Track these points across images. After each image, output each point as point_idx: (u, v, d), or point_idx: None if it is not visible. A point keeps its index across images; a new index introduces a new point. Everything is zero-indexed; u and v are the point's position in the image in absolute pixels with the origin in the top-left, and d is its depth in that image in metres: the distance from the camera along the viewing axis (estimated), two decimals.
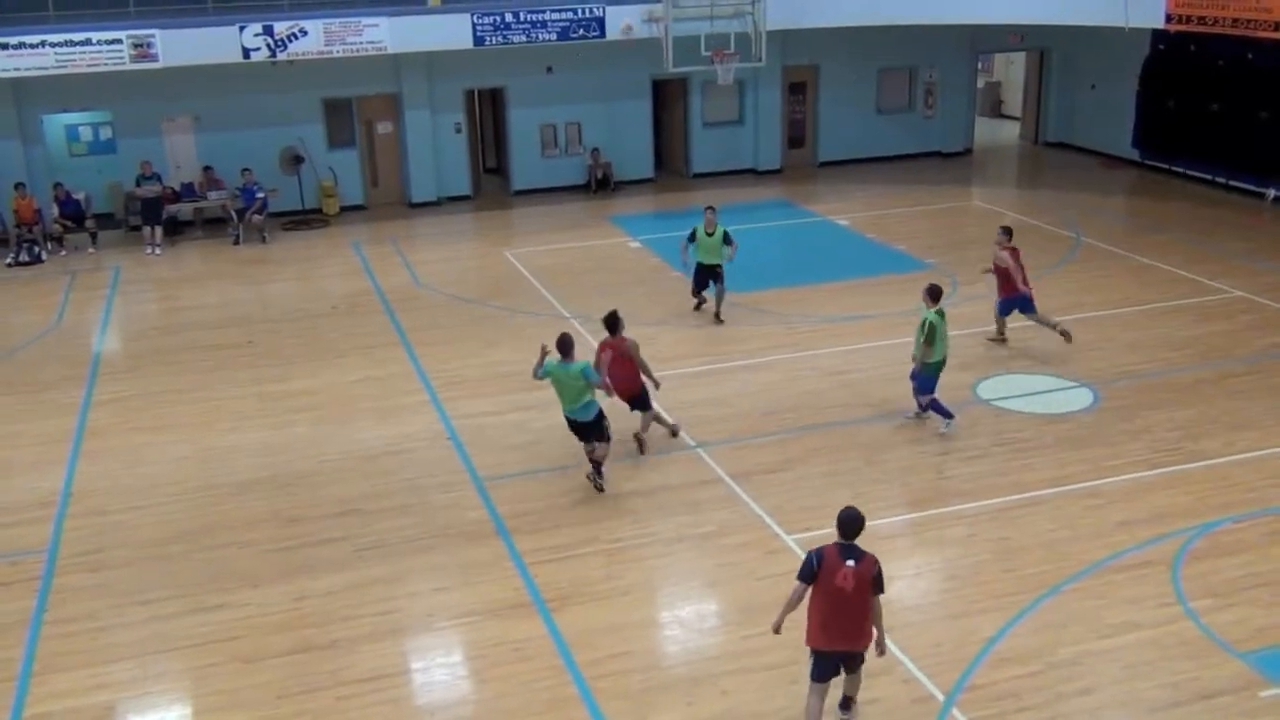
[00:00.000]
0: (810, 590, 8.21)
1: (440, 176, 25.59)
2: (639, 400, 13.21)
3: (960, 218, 23.91)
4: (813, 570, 8.15)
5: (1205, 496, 11.90)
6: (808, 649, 8.35)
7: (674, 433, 13.56)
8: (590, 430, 12.17)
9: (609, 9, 23.60)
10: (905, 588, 10.52)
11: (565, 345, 11.93)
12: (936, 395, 13.43)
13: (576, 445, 12.82)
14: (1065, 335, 15.58)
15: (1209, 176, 25.57)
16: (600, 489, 12.19)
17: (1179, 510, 11.63)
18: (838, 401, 14.46)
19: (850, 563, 8.12)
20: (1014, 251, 15.68)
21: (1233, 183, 24.95)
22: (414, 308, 18.60)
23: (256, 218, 22.96)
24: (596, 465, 12.24)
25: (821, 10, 24.54)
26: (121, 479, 13.03)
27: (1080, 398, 14.33)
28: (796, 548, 11.05)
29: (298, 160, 24.27)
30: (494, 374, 15.69)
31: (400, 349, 16.72)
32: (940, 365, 13.43)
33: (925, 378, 13.44)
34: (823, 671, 8.31)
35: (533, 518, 11.84)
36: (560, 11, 23.41)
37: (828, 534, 11.16)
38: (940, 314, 13.36)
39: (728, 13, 23.84)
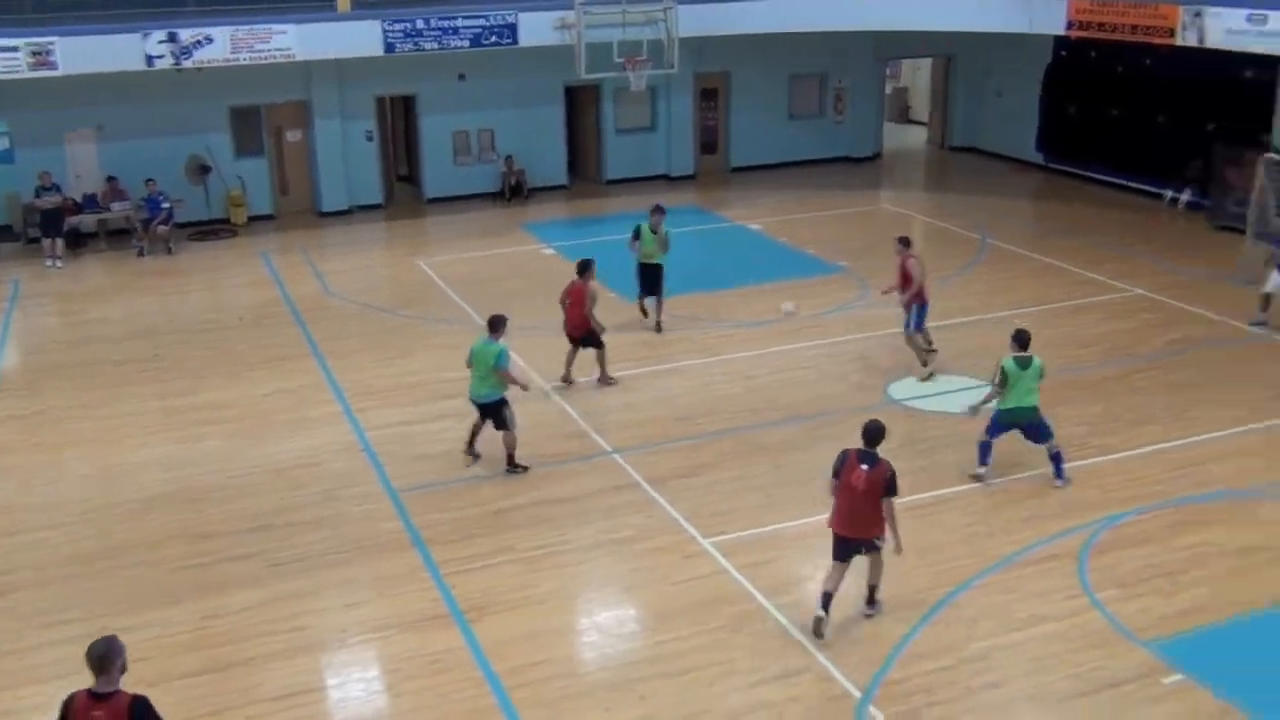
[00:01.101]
0: (836, 483, 9.60)
1: (351, 185, 25.30)
2: (589, 339, 15.06)
3: (870, 222, 24.23)
4: (837, 467, 9.60)
5: (1110, 490, 12.18)
6: (830, 530, 9.63)
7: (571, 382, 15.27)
8: (489, 412, 12.69)
9: (521, 15, 23.53)
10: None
11: (495, 323, 12.69)
12: (991, 440, 12.39)
13: (489, 454, 12.81)
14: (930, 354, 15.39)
15: (1110, 179, 26.23)
16: (524, 467, 12.79)
17: (1085, 504, 11.89)
18: (748, 406, 14.56)
19: (864, 466, 9.50)
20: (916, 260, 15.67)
21: (1133, 185, 25.62)
22: (325, 318, 18.36)
23: (162, 229, 22.48)
24: (508, 457, 12.76)
25: (732, 18, 24.74)
26: (26, 499, 12.66)
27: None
28: (713, 551, 11.12)
29: (204, 170, 23.83)
30: (407, 383, 15.55)
31: (311, 360, 16.49)
32: (1011, 414, 12.21)
33: (994, 423, 12.34)
34: (841, 552, 9.73)
35: (448, 528, 11.74)
36: (472, 18, 23.28)
37: (743, 537, 11.31)
38: (1019, 361, 12.15)
39: (640, 20, 23.91)
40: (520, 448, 13.33)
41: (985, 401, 12.39)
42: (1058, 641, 9.64)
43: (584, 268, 15.05)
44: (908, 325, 15.27)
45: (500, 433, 12.77)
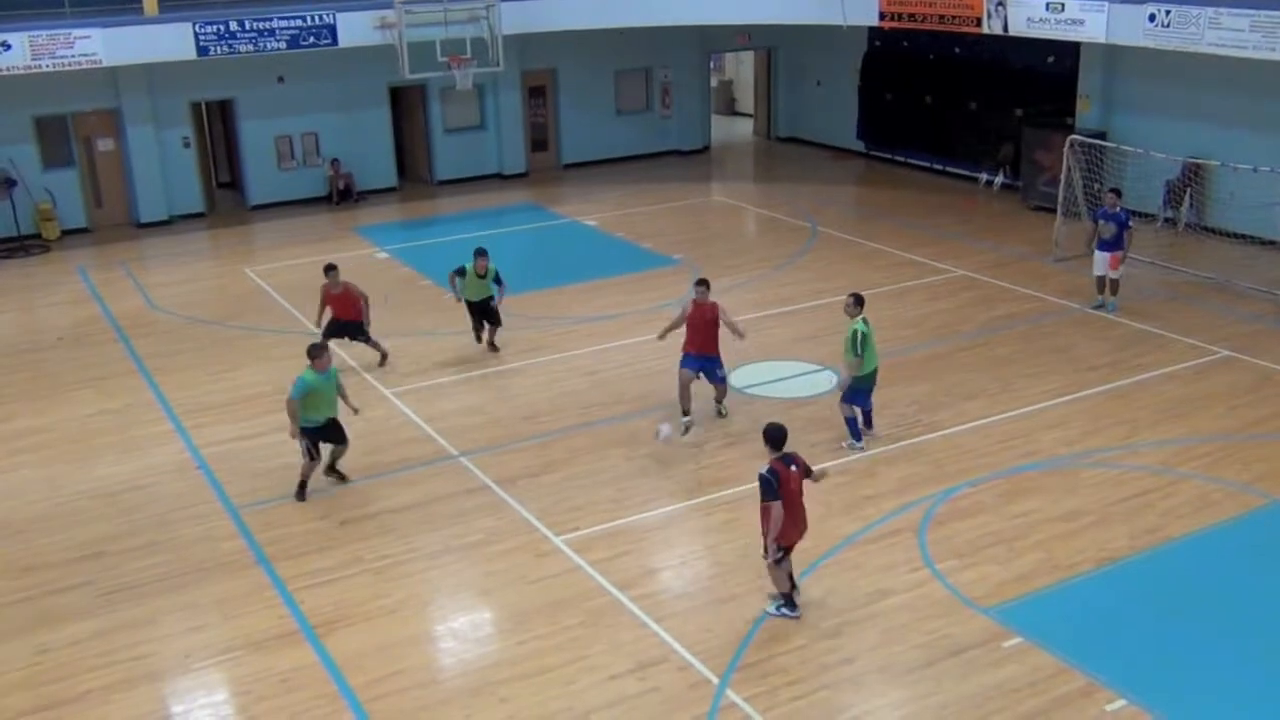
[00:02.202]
0: (781, 500, 9.60)
1: (170, 194, 24.38)
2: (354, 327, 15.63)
3: (703, 213, 24.57)
4: (775, 488, 9.51)
5: (943, 465, 12.65)
6: (780, 546, 9.70)
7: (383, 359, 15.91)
8: (338, 430, 12.46)
9: (339, 15, 23.06)
10: (673, 577, 10.74)
11: (314, 352, 12.18)
12: (856, 413, 12.93)
13: (339, 467, 12.55)
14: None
15: (928, 165, 27.20)
16: (345, 478, 12.64)
17: (920, 480, 12.32)
18: (595, 401, 14.61)
19: (793, 467, 9.75)
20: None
21: (950, 170, 26.62)
22: (150, 333, 17.65)
23: None
24: (332, 467, 12.65)
25: (555, 14, 24.74)
26: None
27: (824, 380, 14.98)
28: (566, 549, 11.12)
29: (9, 183, 22.60)
30: (241, 397, 15.08)
31: (137, 377, 15.83)
32: (871, 377, 12.87)
33: (857, 391, 12.77)
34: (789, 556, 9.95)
35: (293, 542, 11.44)
36: (288, 19, 22.69)
37: (596, 532, 11.35)
38: (867, 322, 12.65)
39: (462, 17, 23.70)
40: (363, 455, 13.09)
41: (852, 373, 12.67)
42: (904, 613, 9.97)
43: (327, 267, 15.70)
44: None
45: (340, 447, 12.64)
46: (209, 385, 15.52)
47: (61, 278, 20.90)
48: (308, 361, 12.13)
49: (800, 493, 9.83)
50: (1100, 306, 17.25)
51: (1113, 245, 16.91)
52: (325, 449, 12.42)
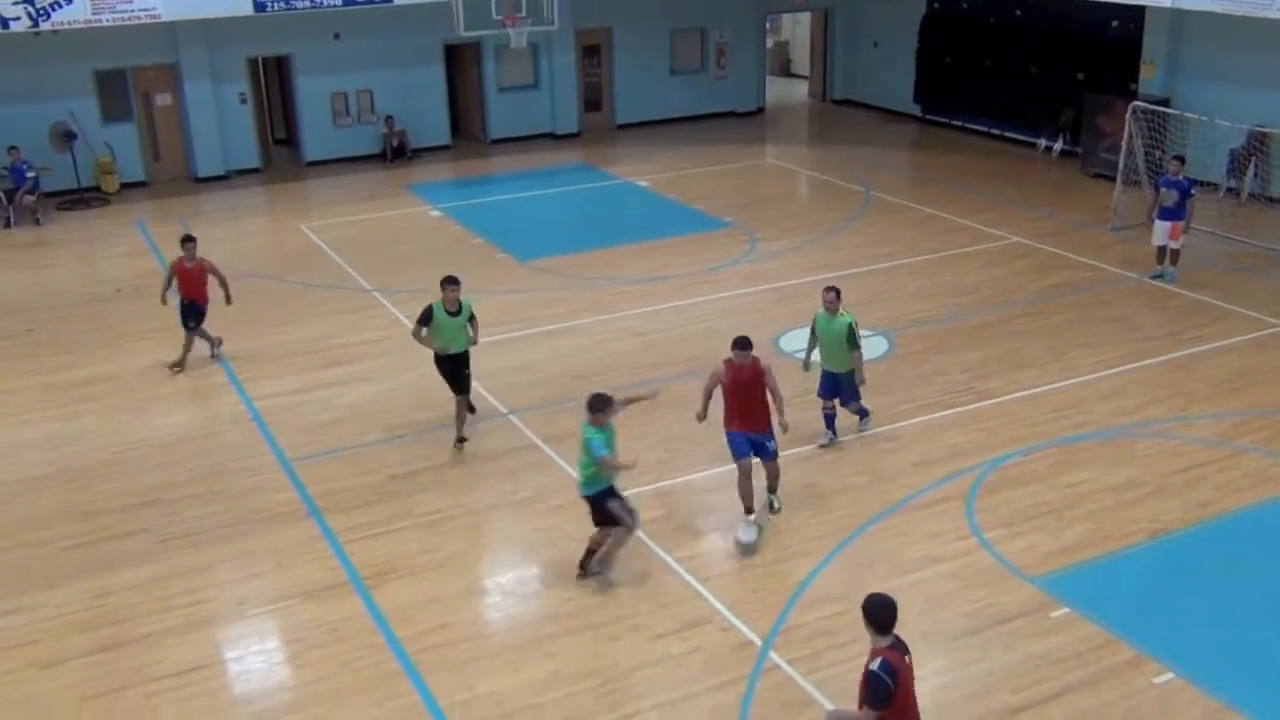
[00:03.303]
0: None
1: (226, 149, 24.60)
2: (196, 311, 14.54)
3: (756, 176, 24.44)
4: (891, 692, 6.87)
5: (994, 433, 12.56)
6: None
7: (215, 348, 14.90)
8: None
9: None
10: (719, 539, 10.77)
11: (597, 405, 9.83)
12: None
13: (383, 420, 12.69)
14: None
15: (986, 129, 26.82)
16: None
17: (971, 447, 12.24)
18: (644, 362, 14.64)
19: (908, 656, 7.17)
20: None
21: (1008, 135, 26.24)
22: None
23: (28, 198, 21.59)
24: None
25: None
26: None
27: (875, 345, 14.88)
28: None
29: (69, 136, 22.91)
30: (294, 352, 15.26)
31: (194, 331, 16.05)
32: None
33: (852, 385, 12.17)
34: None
35: (344, 495, 11.60)
36: None
37: (643, 493, 11.38)
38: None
39: None
40: (413, 410, 13.24)
41: (856, 366, 12.18)
42: (950, 580, 9.94)
43: (185, 238, 14.63)
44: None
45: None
46: (263, 339, 15.71)
47: (121, 230, 21.20)
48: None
49: (912, 687, 7.09)
50: (1159, 276, 16.98)
51: (1174, 214, 16.61)
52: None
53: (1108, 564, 10.18)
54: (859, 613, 9.43)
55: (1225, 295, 16.31)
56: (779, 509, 11.08)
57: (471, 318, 12.42)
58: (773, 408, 10.66)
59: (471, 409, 12.85)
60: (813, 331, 12.24)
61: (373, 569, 10.31)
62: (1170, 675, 8.69)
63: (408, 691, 8.74)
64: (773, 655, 9.05)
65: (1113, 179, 20.17)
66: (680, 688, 8.69)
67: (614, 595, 9.84)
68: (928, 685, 8.74)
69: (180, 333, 14.75)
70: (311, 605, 9.83)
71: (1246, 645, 9.13)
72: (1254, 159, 20.64)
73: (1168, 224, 16.70)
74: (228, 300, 14.80)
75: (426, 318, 12.15)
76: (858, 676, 8.72)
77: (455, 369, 12.44)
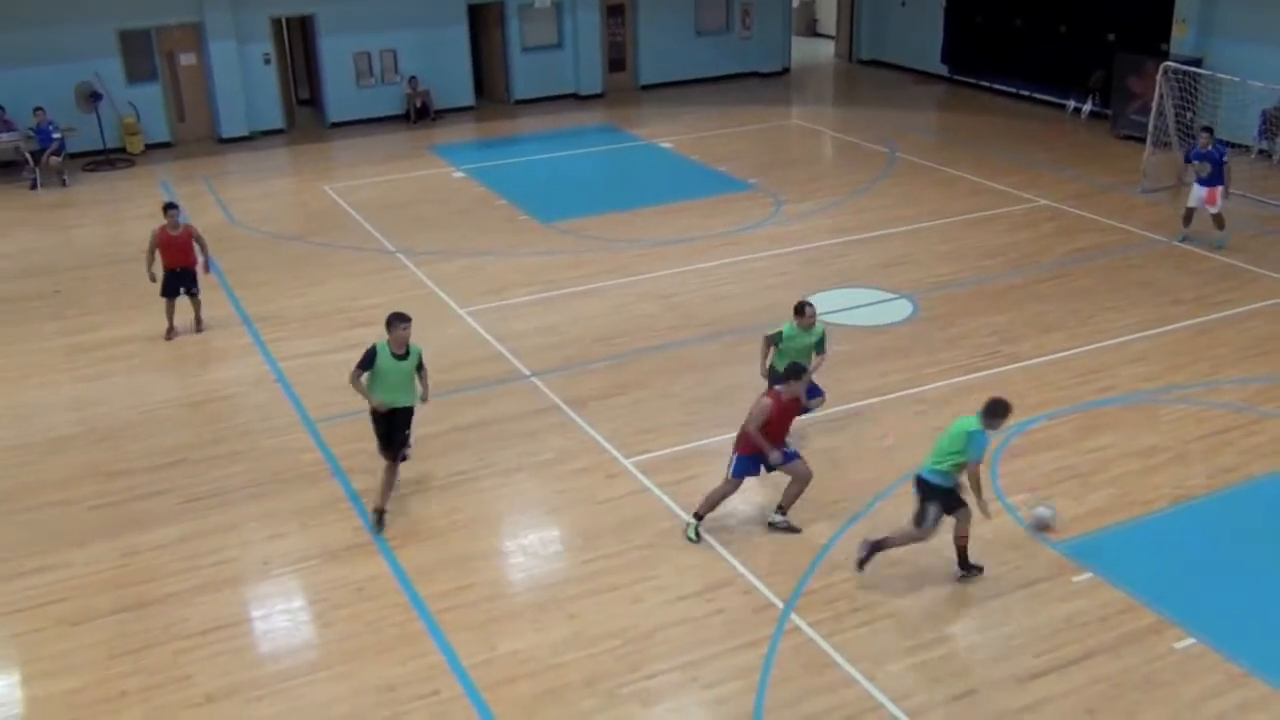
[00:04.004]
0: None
1: (250, 110, 24.59)
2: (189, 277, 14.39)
3: (781, 137, 24.26)
4: None
5: (1020, 396, 12.42)
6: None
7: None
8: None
9: None
10: (740, 502, 10.76)
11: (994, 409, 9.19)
12: None
13: None
14: None
15: (1014, 90, 26.51)
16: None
17: None
18: (667, 324, 14.61)
19: None
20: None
21: (1037, 96, 25.93)
22: (231, 248, 17.91)
23: (54, 159, 21.66)
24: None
25: None
26: None
27: (900, 309, 14.81)
28: (635, 471, 11.20)
29: (95, 97, 22.95)
30: (318, 312, 15.30)
31: (219, 291, 16.10)
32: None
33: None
34: None
35: (367, 457, 11.59)
36: None
37: (665, 455, 11.41)
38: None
39: None
40: (436, 372, 13.23)
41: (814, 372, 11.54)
42: (974, 544, 9.89)
43: (167, 205, 14.39)
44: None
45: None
46: (287, 300, 15.76)
47: (146, 191, 21.25)
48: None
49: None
50: (1185, 239, 16.79)
51: (1211, 180, 16.39)
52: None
53: (1131, 529, 10.13)
54: (881, 576, 9.51)
55: (1256, 259, 16.13)
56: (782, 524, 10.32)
57: (420, 366, 10.43)
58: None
59: (381, 518, 10.40)
60: (775, 342, 11.21)
61: (396, 529, 10.37)
62: (1191, 641, 8.66)
63: (431, 651, 8.81)
64: (794, 617, 9.07)
65: (1142, 141, 19.93)
66: (701, 648, 8.72)
67: (635, 557, 9.88)
68: (952, 647, 8.77)
69: (159, 303, 14.62)
70: (336, 565, 9.91)
71: (1268, 611, 9.09)
72: None
73: (1204, 189, 16.47)
74: (205, 268, 14.70)
75: (369, 361, 10.15)
76: (880, 640, 8.77)
77: (391, 426, 10.40)
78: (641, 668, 8.56)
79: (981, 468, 9.11)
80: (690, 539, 10.07)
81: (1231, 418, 11.94)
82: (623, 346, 14.01)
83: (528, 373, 13.37)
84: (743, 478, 10.13)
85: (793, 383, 9.94)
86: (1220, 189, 16.38)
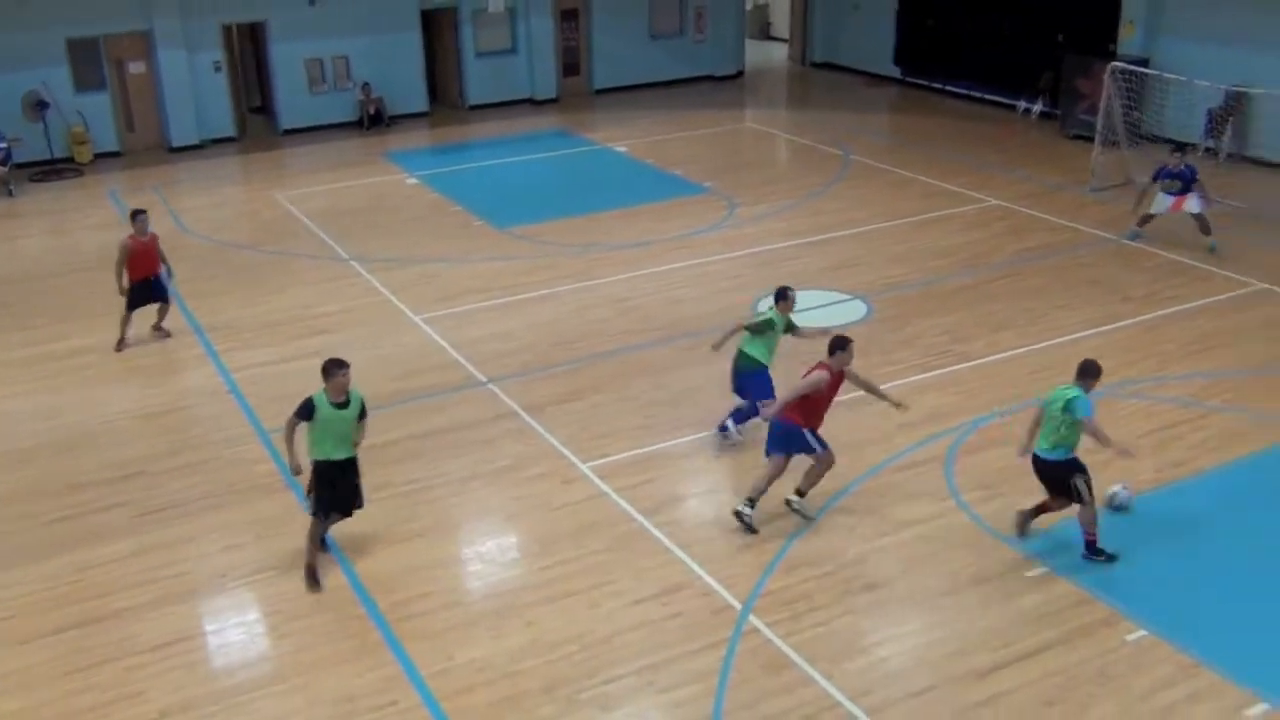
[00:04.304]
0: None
1: (201, 118, 24.37)
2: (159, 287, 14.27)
3: (735, 140, 24.36)
4: None
5: (973, 395, 12.61)
6: None
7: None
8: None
9: None
10: (698, 504, 10.83)
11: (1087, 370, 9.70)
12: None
13: (361, 389, 12.68)
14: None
15: (965, 92, 26.77)
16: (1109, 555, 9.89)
17: (950, 409, 12.29)
18: (623, 328, 14.63)
19: None
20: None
21: (988, 97, 26.19)
22: (183, 257, 17.65)
23: (0, 170, 21.38)
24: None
25: None
26: None
27: (854, 310, 14.91)
28: (592, 475, 11.20)
29: (42, 106, 22.67)
30: (271, 322, 15.19)
31: (171, 302, 15.94)
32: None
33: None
34: None
35: None
36: None
37: (622, 460, 11.42)
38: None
39: None
40: (391, 380, 13.19)
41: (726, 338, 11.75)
42: (929, 542, 10.01)
43: (135, 212, 14.03)
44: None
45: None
46: (240, 310, 15.63)
47: (95, 201, 21.02)
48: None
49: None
50: (1135, 237, 16.98)
51: (1181, 193, 16.39)
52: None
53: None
54: (838, 576, 9.58)
55: (1203, 255, 16.36)
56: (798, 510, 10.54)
57: (363, 413, 9.69)
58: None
59: (314, 579, 9.73)
60: (765, 329, 11.37)
61: (352, 539, 10.29)
62: (1143, 632, 8.78)
63: (389, 661, 8.77)
64: (752, 619, 9.10)
65: (1091, 140, 20.17)
66: (660, 652, 8.74)
67: (593, 562, 9.88)
68: (910, 644, 8.83)
69: (110, 315, 14.46)
70: (292, 577, 9.82)
71: (1217, 602, 9.23)
72: (1231, 119, 20.66)
73: (1171, 198, 16.48)
74: (169, 274, 14.59)
75: (307, 412, 9.41)
76: (837, 639, 8.83)
77: (343, 482, 9.70)
78: (600, 673, 8.56)
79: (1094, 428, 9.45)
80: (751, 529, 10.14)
81: (1181, 412, 12.12)
82: (579, 351, 14.01)
83: (484, 379, 13.34)
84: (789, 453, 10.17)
85: (840, 354, 10.08)
86: (1188, 196, 16.33)
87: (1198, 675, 8.35)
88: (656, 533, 10.25)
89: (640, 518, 10.47)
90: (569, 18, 27.90)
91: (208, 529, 10.60)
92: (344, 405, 9.50)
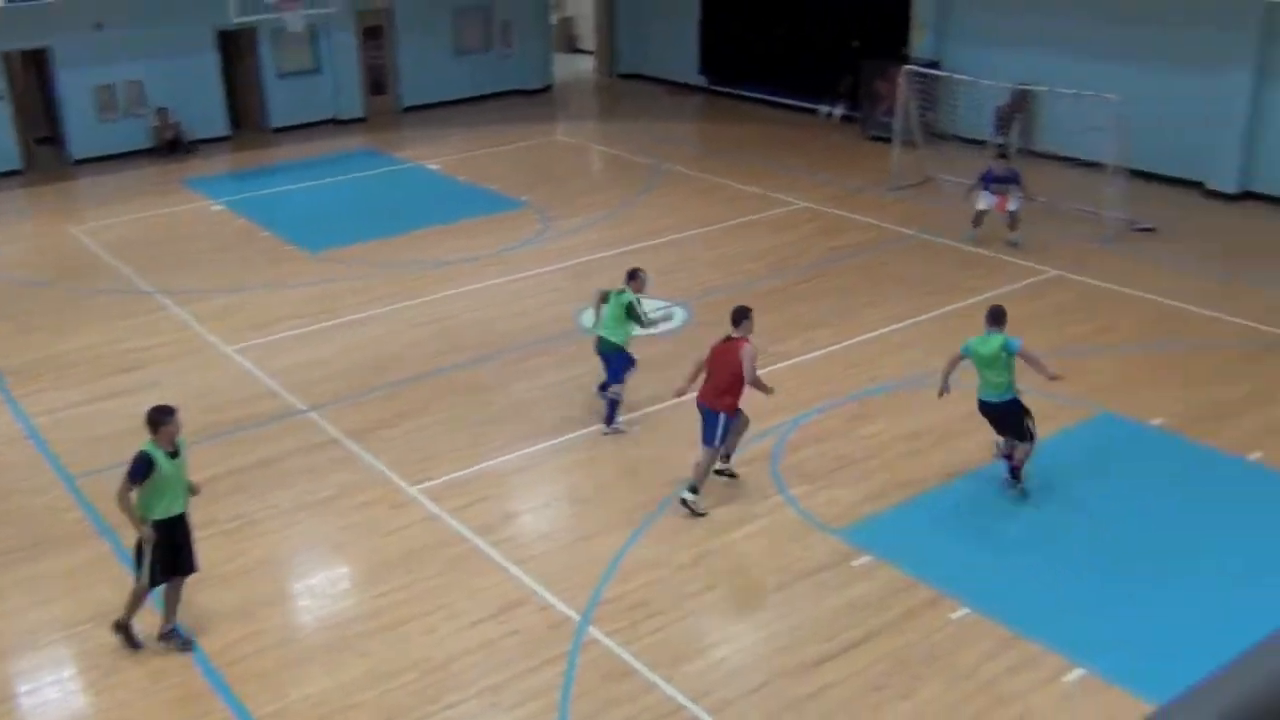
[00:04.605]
0: None
1: None
2: None
3: (548, 154, 24.40)
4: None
5: (793, 393, 12.90)
6: None
7: None
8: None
9: None
10: (531, 520, 10.80)
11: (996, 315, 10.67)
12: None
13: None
14: None
15: (769, 98, 27.45)
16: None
17: (772, 408, 12.51)
18: (444, 347, 14.48)
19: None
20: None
21: (790, 103, 26.92)
22: None
23: None
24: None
25: None
26: None
27: (675, 317, 15.10)
28: (422, 498, 11.05)
29: None
30: (74, 362, 14.47)
31: None
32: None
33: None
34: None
35: None
36: None
37: (451, 480, 11.30)
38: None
39: None
40: (206, 413, 12.73)
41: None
42: (759, 540, 10.22)
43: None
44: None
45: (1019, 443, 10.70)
46: (38, 351, 14.83)
47: None
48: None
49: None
50: (973, 238, 17.35)
51: (1003, 188, 17.02)
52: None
53: (905, 510, 10.64)
54: (674, 580, 9.68)
55: (999, 247, 17.16)
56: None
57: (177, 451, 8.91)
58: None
59: (170, 636, 9.17)
60: (627, 308, 12.02)
61: None
62: (966, 610, 9.15)
63: (216, 707, 8.44)
64: (591, 630, 9.12)
65: (890, 141, 20.94)
66: (500, 671, 8.67)
67: (427, 587, 9.74)
68: (745, 641, 8.99)
69: None
70: (109, 629, 9.37)
71: (1033, 575, 9.70)
72: (1018, 116, 21.75)
73: (995, 197, 17.12)
74: None
75: (146, 469, 8.59)
76: (675, 643, 8.92)
77: (176, 533, 8.93)
78: (440, 699, 8.44)
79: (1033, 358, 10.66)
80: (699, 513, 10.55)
81: None
82: (400, 373, 13.80)
83: (304, 407, 13.01)
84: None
85: (746, 323, 10.84)
86: (1009, 194, 17.03)
87: (1018, 647, 8.75)
88: (490, 551, 10.18)
89: (473, 537, 10.37)
90: (373, 35, 27.47)
91: (16, 584, 10.01)
92: (176, 454, 8.84)
